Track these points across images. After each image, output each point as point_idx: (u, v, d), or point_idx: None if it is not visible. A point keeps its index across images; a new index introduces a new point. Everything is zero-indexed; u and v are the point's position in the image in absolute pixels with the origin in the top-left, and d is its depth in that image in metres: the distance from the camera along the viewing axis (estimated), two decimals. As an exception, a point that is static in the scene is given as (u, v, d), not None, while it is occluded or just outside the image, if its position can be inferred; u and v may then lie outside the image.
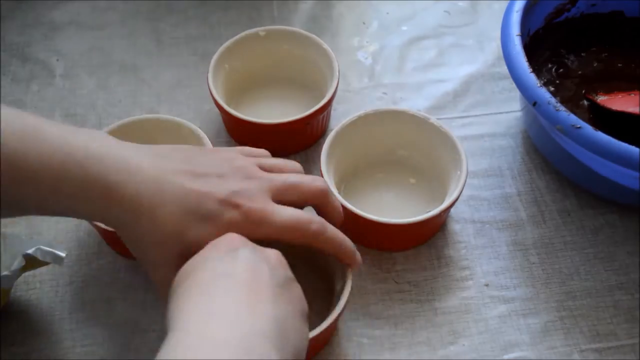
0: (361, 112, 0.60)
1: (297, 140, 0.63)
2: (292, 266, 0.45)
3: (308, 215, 0.47)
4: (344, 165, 0.60)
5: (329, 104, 0.61)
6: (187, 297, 0.40)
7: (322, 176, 0.56)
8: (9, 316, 0.54)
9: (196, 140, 0.59)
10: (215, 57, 0.63)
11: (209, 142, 0.58)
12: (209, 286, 0.40)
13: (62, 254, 0.51)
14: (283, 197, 0.48)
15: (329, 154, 0.58)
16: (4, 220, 0.58)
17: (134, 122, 0.59)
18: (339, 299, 0.49)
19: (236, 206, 0.45)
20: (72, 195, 0.43)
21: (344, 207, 0.54)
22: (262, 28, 0.66)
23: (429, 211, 0.55)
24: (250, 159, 0.49)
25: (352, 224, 0.54)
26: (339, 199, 0.54)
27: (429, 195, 0.60)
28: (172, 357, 0.35)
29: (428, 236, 0.59)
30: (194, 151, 0.49)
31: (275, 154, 0.63)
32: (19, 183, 0.42)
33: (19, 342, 0.53)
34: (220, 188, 0.46)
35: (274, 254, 0.44)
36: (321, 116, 0.62)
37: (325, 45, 0.64)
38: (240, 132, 0.64)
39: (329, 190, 0.50)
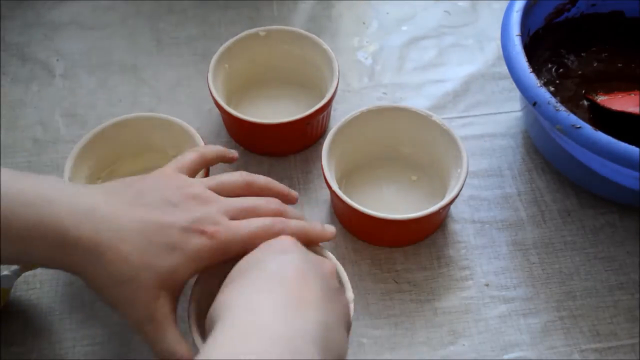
0: (364, 108, 0.60)
1: (297, 140, 0.63)
2: None
3: (267, 219, 0.48)
4: (345, 160, 0.60)
5: (328, 104, 0.61)
6: (239, 291, 0.40)
7: (323, 171, 0.56)
8: (9, 316, 0.54)
9: (188, 138, 0.59)
10: (215, 57, 0.63)
11: (200, 140, 0.58)
12: (260, 284, 0.41)
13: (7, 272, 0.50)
14: (240, 219, 0.48)
15: (331, 149, 0.58)
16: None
17: (126, 121, 0.59)
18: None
19: (201, 232, 0.45)
20: (24, 238, 0.43)
21: (344, 202, 0.54)
22: (262, 28, 0.66)
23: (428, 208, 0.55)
24: (199, 181, 0.49)
25: (351, 219, 0.54)
26: (339, 194, 0.55)
27: (430, 192, 0.60)
28: (223, 343, 0.36)
29: (427, 233, 0.59)
30: (143, 182, 0.49)
31: (275, 154, 0.63)
32: None
33: (19, 342, 0.53)
34: (180, 217, 0.46)
35: (328, 264, 0.45)
36: (321, 116, 0.62)
37: (325, 45, 0.64)
38: (240, 132, 0.64)
39: (284, 208, 0.50)
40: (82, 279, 0.45)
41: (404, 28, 0.75)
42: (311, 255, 0.45)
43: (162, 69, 0.71)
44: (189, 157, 0.52)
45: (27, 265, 0.50)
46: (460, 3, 0.77)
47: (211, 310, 0.41)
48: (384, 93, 0.69)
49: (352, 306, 0.46)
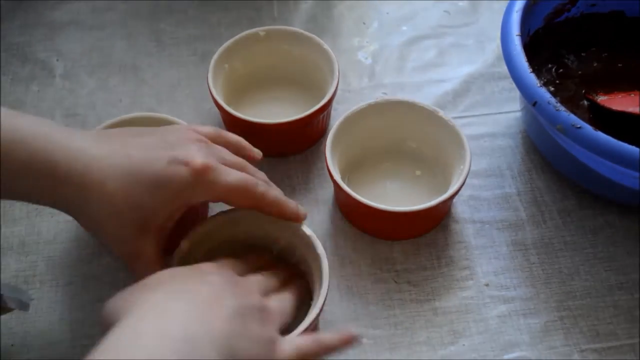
0: (371, 101, 0.60)
1: (298, 140, 0.63)
2: None
3: (253, 178, 0.48)
4: (350, 153, 0.60)
5: (329, 103, 0.61)
6: (149, 295, 0.40)
7: (327, 163, 0.56)
8: (9, 316, 0.54)
9: None
10: (215, 57, 0.63)
11: None
12: (173, 292, 0.41)
13: (28, 301, 0.50)
14: (226, 162, 0.49)
15: (335, 142, 0.58)
16: (4, 218, 0.59)
17: (125, 121, 0.59)
18: (315, 301, 0.49)
19: (185, 164, 0.46)
20: (17, 174, 0.43)
21: (346, 193, 0.55)
22: (262, 28, 0.65)
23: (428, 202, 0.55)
24: (195, 133, 0.50)
25: (353, 210, 0.54)
26: (344, 187, 0.55)
27: (433, 188, 0.60)
28: (119, 342, 0.36)
29: (428, 228, 0.59)
30: (139, 129, 0.50)
31: (275, 154, 0.63)
32: None
33: (19, 342, 0.53)
34: (168, 152, 0.46)
35: (254, 283, 0.45)
36: (321, 116, 0.62)
37: (326, 46, 0.64)
38: (240, 132, 0.64)
39: (270, 183, 0.51)
40: (71, 214, 0.46)
41: (404, 28, 0.75)
42: (230, 277, 0.44)
43: (162, 69, 0.71)
44: (206, 128, 0.52)
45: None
46: (460, 3, 0.77)
47: (114, 305, 0.40)
48: (384, 93, 0.69)
49: (323, 293, 0.47)
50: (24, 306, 0.50)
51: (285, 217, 0.50)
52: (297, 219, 0.51)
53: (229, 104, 0.62)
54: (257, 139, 0.62)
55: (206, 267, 0.45)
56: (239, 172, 0.48)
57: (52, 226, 0.59)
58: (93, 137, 0.47)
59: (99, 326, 0.40)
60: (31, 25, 0.74)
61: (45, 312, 0.54)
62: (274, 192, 0.50)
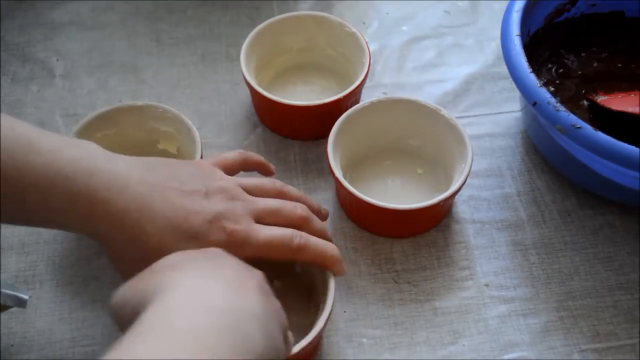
0: (373, 98, 0.60)
1: (329, 123, 0.61)
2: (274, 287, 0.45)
3: (289, 230, 0.48)
4: (352, 151, 0.60)
5: (362, 83, 0.62)
6: (178, 275, 0.39)
7: (328, 159, 0.56)
8: (9, 316, 0.54)
9: (180, 125, 0.59)
10: (247, 40, 0.64)
11: (194, 129, 0.59)
12: (200, 272, 0.40)
13: (25, 297, 0.50)
14: (264, 220, 0.49)
15: (337, 138, 0.58)
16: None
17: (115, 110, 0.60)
18: (320, 315, 0.49)
19: (222, 228, 0.46)
20: (59, 209, 0.44)
21: (347, 191, 0.54)
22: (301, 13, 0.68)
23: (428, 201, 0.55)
24: (232, 179, 0.51)
25: (353, 207, 0.54)
26: (345, 183, 0.55)
27: (434, 186, 0.60)
28: (163, 319, 0.35)
29: (428, 226, 0.59)
30: (179, 166, 0.50)
31: (305, 137, 0.64)
32: (7, 196, 0.43)
33: (19, 342, 0.53)
34: (207, 208, 0.47)
35: (258, 272, 0.44)
36: (350, 101, 0.62)
37: (359, 34, 0.65)
38: (274, 116, 0.64)
39: (309, 216, 0.51)
40: (104, 248, 0.46)
41: (404, 28, 0.75)
42: (243, 262, 0.44)
43: (162, 69, 0.71)
44: (231, 156, 0.53)
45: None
46: (460, 3, 0.77)
47: (127, 293, 0.39)
48: (384, 93, 0.69)
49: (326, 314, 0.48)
50: (21, 303, 0.50)
51: (325, 266, 0.50)
52: (337, 271, 0.50)
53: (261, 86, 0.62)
54: (289, 122, 0.63)
55: (213, 250, 0.45)
56: (273, 229, 0.48)
57: (52, 226, 0.59)
58: (137, 167, 0.47)
59: (111, 317, 0.40)
60: (31, 25, 0.74)
61: (45, 312, 0.54)
62: (313, 242, 0.49)
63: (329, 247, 0.50)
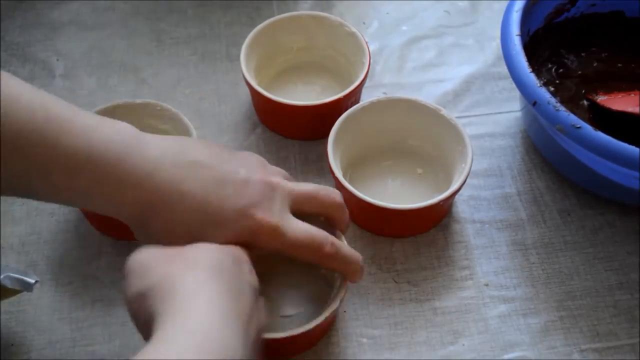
0: (373, 98, 0.60)
1: (329, 123, 0.61)
2: (290, 272, 0.46)
3: (322, 234, 0.48)
4: (352, 150, 0.60)
5: (362, 83, 0.62)
6: (182, 277, 0.41)
7: (328, 159, 0.56)
8: (9, 316, 0.54)
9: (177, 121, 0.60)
10: (246, 41, 0.64)
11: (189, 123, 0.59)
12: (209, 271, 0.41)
13: (32, 280, 0.50)
14: (301, 207, 0.48)
15: (337, 138, 0.58)
16: (4, 218, 0.59)
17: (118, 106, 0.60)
18: (335, 295, 0.50)
19: (252, 218, 0.45)
20: (86, 191, 0.44)
21: (347, 191, 0.55)
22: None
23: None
24: (274, 168, 0.50)
25: (352, 206, 0.54)
26: (345, 183, 0.55)
27: (434, 186, 0.60)
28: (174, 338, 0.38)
29: (428, 226, 0.59)
30: (220, 150, 0.49)
31: (305, 137, 0.64)
32: (33, 174, 0.43)
33: (19, 342, 0.53)
34: (241, 197, 0.46)
35: (242, 254, 0.45)
36: (350, 101, 0.62)
37: (359, 34, 0.65)
38: (271, 115, 0.64)
39: (344, 204, 0.51)
40: (131, 228, 0.46)
41: (404, 28, 0.75)
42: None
43: (162, 69, 0.71)
44: (304, 185, 0.50)
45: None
46: (460, 3, 0.77)
47: (148, 265, 0.41)
48: (384, 93, 0.69)
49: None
50: (27, 286, 0.50)
51: (345, 274, 0.50)
52: (355, 279, 0.50)
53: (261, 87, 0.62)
54: (289, 122, 0.63)
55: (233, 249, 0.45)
56: (305, 227, 0.47)
57: (52, 226, 0.59)
58: (169, 151, 0.46)
59: (125, 275, 0.42)
60: (31, 25, 0.74)
61: (45, 312, 0.54)
62: (343, 250, 0.49)
63: (355, 258, 0.50)
